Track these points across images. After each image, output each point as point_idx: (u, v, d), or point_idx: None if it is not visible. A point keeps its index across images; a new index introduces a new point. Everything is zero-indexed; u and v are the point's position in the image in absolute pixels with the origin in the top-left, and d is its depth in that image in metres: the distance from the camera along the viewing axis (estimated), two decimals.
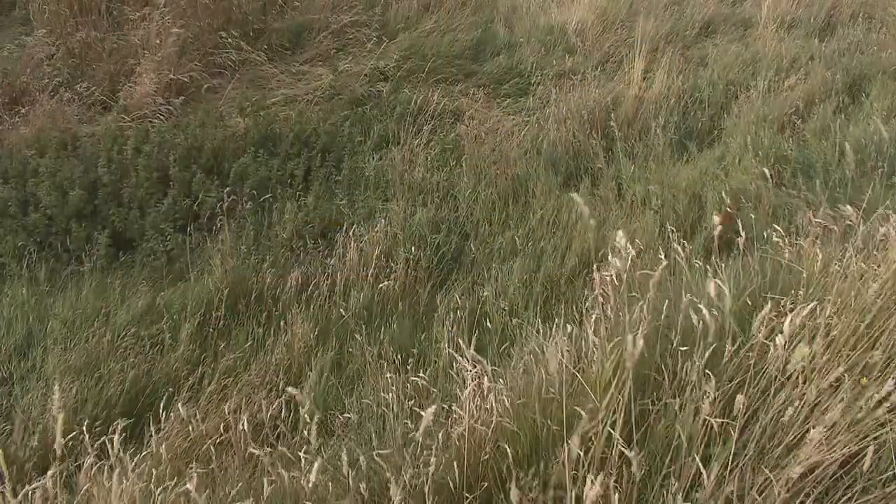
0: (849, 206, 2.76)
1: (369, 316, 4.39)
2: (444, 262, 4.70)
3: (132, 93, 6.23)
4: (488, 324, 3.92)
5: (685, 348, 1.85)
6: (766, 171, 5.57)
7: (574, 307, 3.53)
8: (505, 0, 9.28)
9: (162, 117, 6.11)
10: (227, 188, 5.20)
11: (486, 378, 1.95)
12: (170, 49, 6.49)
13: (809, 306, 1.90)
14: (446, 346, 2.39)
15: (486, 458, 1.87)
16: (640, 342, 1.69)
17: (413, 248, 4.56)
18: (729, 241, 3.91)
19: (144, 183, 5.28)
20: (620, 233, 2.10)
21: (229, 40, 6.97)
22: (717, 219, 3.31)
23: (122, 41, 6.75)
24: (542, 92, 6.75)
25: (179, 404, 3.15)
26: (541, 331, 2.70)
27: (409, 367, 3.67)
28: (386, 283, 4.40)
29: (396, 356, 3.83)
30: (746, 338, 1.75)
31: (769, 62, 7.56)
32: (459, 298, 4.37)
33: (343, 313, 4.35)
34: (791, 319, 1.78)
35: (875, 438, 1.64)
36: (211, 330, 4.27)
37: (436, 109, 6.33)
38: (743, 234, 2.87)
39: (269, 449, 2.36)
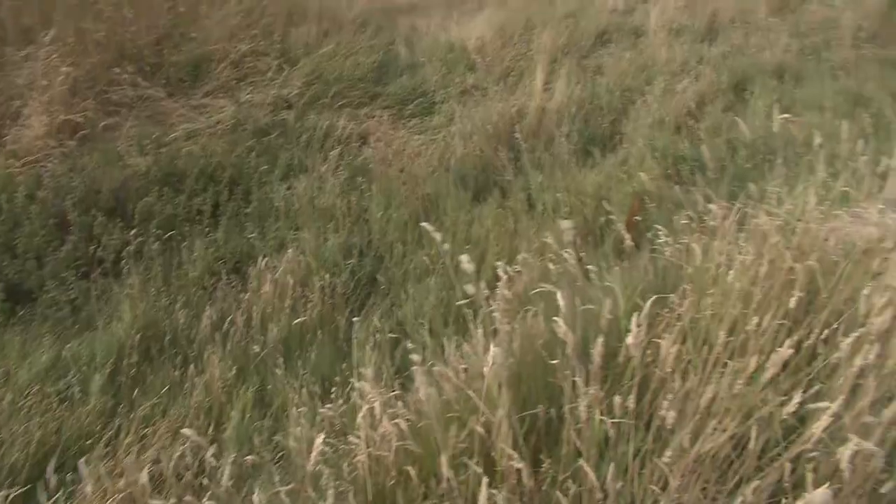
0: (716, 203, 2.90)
1: (288, 348, 4.32)
2: (360, 287, 4.68)
3: (21, 136, 5.95)
4: (410, 345, 3.92)
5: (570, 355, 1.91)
6: (667, 170, 5.88)
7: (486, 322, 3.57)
8: (405, 21, 9.41)
9: (56, 160, 5.86)
10: (132, 230, 5.03)
11: (379, 403, 1.96)
12: (59, 88, 6.24)
13: (689, 300, 2.01)
14: (367, 371, 2.37)
15: (391, 483, 1.88)
16: (512, 356, 1.76)
17: (328, 276, 4.52)
18: (637, 239, 4.08)
19: (40, 231, 5.04)
20: (525, 252, 2.16)
21: (124, 76, 6.76)
22: (621, 225, 3.45)
23: (5, 83, 6.45)
24: (447, 110, 6.85)
25: (93, 461, 3.02)
26: (446, 349, 2.73)
27: (331, 397, 3.63)
28: (303, 316, 4.33)
29: (318, 387, 3.78)
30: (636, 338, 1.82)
31: (661, 67, 7.94)
32: (379, 322, 4.35)
33: (261, 348, 4.27)
34: (668, 315, 1.88)
35: (758, 418, 1.73)
36: (124, 378, 4.10)
37: (342, 134, 6.33)
38: (648, 233, 3.01)
39: (173, 501, 2.29)
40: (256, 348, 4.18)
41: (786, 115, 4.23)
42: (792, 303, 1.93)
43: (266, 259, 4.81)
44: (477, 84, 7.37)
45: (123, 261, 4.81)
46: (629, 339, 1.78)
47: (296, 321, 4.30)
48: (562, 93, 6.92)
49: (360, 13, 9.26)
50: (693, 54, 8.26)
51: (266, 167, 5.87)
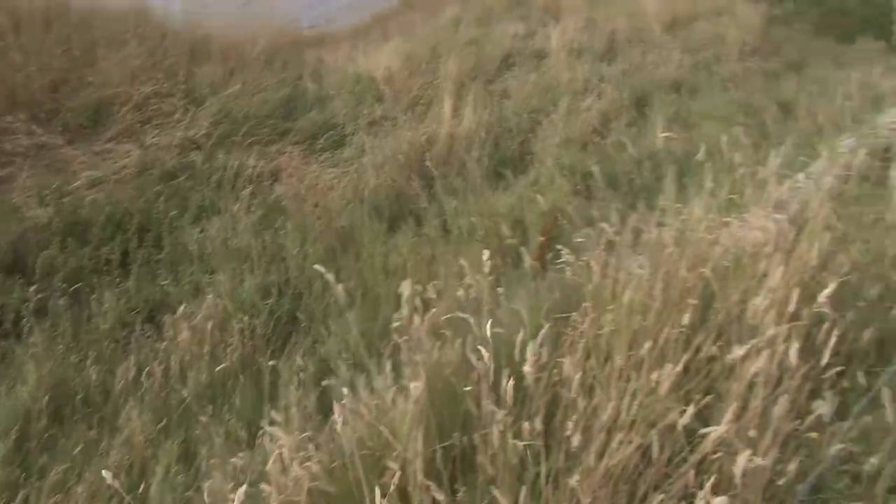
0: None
1: (212, 395, 4.21)
2: (280, 326, 4.61)
3: None
4: (332, 381, 3.88)
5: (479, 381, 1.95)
6: (576, 187, 6.04)
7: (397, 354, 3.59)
8: (312, 54, 9.42)
9: None
10: (33, 285, 4.81)
11: (288, 448, 1.94)
12: None
13: (589, 318, 2.09)
14: (279, 415, 2.33)
15: None
16: (421, 385, 1.78)
17: (246, 318, 4.44)
18: (546, 259, 4.17)
19: None
20: (405, 283, 2.19)
21: (17, 124, 6.51)
22: (528, 254, 3.53)
23: None
24: (358, 141, 6.88)
25: None
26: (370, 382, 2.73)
27: (257, 442, 3.54)
28: (224, 362, 4.23)
29: (245, 432, 3.70)
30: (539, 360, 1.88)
31: (565, 87, 8.20)
32: (302, 360, 4.29)
33: (183, 397, 4.14)
34: (571, 333, 1.95)
35: (661, 428, 1.80)
36: (33, 444, 3.89)
37: (253, 172, 6.26)
38: (563, 250, 3.09)
39: None
40: (182, 396, 4.06)
41: (667, 134, 4.44)
42: (685, 318, 2.03)
43: (182, 306, 4.69)
44: (386, 114, 7.43)
45: (24, 319, 4.58)
46: (526, 367, 1.83)
47: (217, 368, 4.20)
48: (470, 118, 7.05)
49: (266, 49, 9.21)
50: (594, 73, 8.57)
51: (176, 211, 5.74)
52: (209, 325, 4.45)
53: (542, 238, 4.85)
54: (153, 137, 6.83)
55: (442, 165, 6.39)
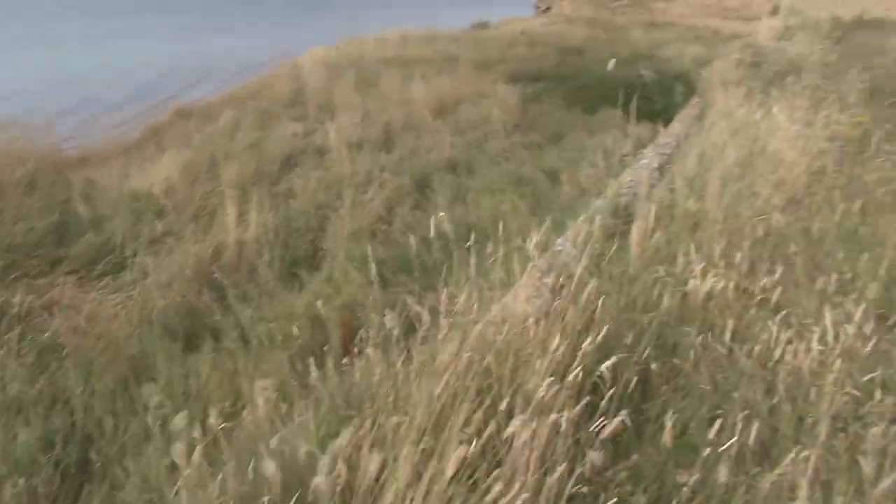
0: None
1: None
2: (69, 479, 4.17)
3: None
4: None
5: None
6: (370, 277, 6.17)
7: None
8: (79, 174, 8.92)
9: None
10: None
11: None
12: None
13: (380, 417, 2.17)
14: None
15: None
16: None
17: (22, 480, 3.97)
18: (356, 353, 4.22)
19: None
20: (180, 416, 2.16)
21: None
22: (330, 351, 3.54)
23: None
24: (140, 262, 6.55)
25: None
26: None
27: None
28: None
29: None
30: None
31: (349, 181, 8.47)
32: None
33: None
34: (363, 435, 2.02)
35: None
36: None
37: (21, 311, 5.70)
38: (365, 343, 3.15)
39: None
40: None
41: (441, 214, 4.75)
42: (463, 410, 2.17)
43: None
44: (169, 229, 7.18)
45: None
46: (317, 478, 1.85)
47: None
48: (257, 222, 7.03)
49: (27, 173, 8.58)
50: (375, 164, 8.96)
51: None
52: None
53: (341, 334, 4.90)
54: None
55: (233, 274, 6.26)
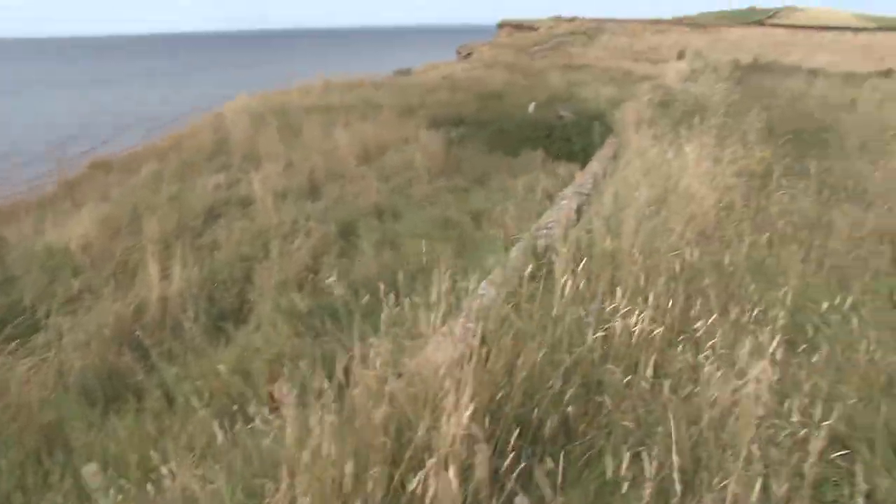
0: None
1: None
2: None
3: None
4: None
5: None
6: (298, 328, 6.09)
7: None
8: None
9: None
10: None
11: None
12: None
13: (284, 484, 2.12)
14: None
15: None
16: None
17: None
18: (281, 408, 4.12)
19: None
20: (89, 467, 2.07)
21: None
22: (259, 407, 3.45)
23: None
24: (55, 322, 6.27)
25: None
26: None
27: None
28: None
29: None
30: None
31: (275, 231, 8.38)
32: None
33: None
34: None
35: None
36: None
37: None
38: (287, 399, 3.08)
39: None
40: None
41: (331, 279, 4.76)
42: (378, 465, 2.16)
43: None
44: (87, 287, 6.91)
45: None
46: None
47: None
48: (181, 277, 6.86)
49: None
50: (301, 213, 8.90)
51: None
52: None
53: (270, 388, 4.80)
54: None
55: (157, 331, 6.07)
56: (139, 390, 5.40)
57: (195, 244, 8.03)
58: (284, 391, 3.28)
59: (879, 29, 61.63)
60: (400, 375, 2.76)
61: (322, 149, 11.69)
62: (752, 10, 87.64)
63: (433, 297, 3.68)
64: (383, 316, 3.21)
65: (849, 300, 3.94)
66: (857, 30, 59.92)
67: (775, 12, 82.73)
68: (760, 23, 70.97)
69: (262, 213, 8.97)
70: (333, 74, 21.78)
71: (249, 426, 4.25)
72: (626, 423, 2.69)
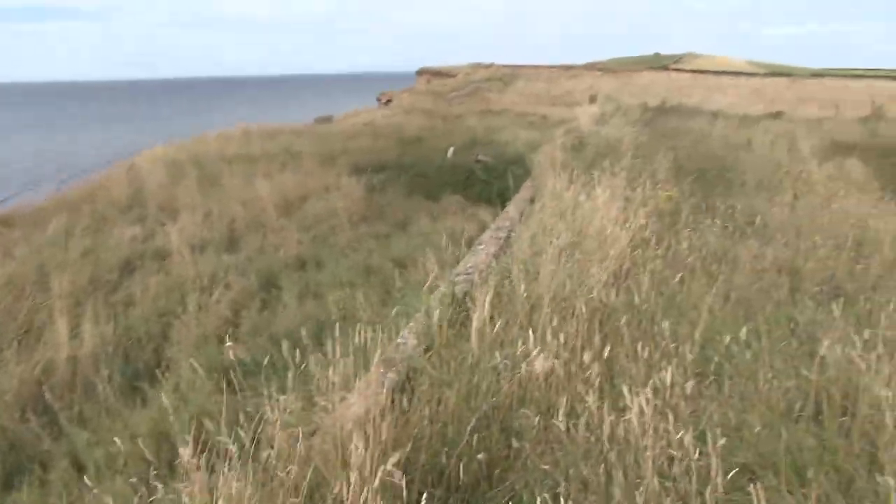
0: None
1: None
2: None
3: None
4: None
5: None
6: (218, 384, 5.91)
7: None
8: None
9: None
10: None
11: None
12: None
13: None
14: None
15: None
16: None
17: None
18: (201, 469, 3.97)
19: None
20: None
21: None
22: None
23: None
24: None
25: None
26: None
27: None
28: None
29: None
30: None
31: (193, 284, 8.16)
32: None
33: None
34: None
35: None
36: None
37: None
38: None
39: None
40: None
41: (230, 344, 4.70)
42: None
43: None
44: None
45: None
46: None
47: None
48: (93, 335, 6.59)
49: None
50: (220, 265, 8.72)
51: None
52: None
53: (190, 448, 4.64)
54: None
55: (67, 394, 5.79)
56: (46, 459, 5.12)
57: (109, 300, 7.75)
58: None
59: (768, 74, 66.20)
60: (314, 433, 2.74)
61: (242, 199, 11.55)
62: (657, 56, 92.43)
63: (350, 350, 3.68)
64: (290, 374, 3.19)
65: (753, 331, 4.16)
66: (750, 75, 64.19)
67: (679, 58, 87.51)
68: (665, 68, 74.93)
69: (180, 265, 8.74)
70: (253, 123, 21.64)
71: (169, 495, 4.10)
72: (543, 465, 2.75)
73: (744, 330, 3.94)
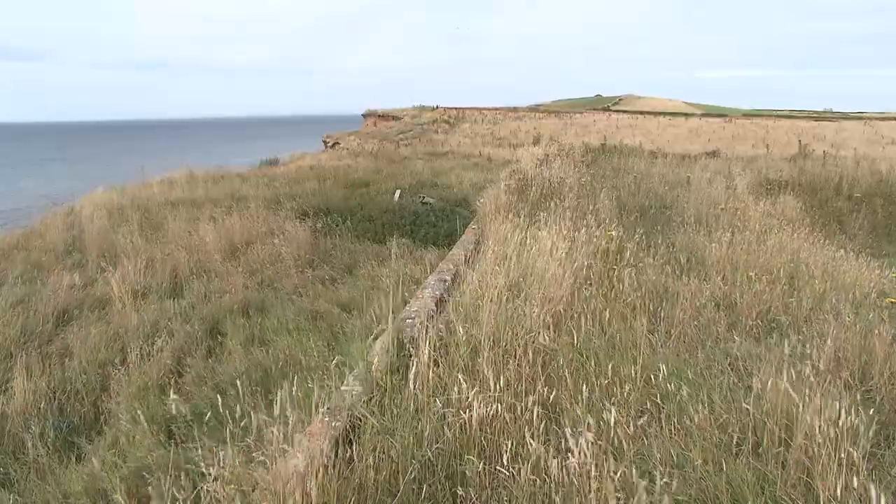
0: None
1: None
2: None
3: None
4: None
5: None
6: (160, 437, 5.76)
7: None
8: None
9: None
10: None
11: None
12: None
13: None
14: None
15: None
16: None
17: None
18: None
19: None
20: None
21: None
22: None
23: None
24: None
25: None
26: None
27: None
28: None
29: None
30: None
31: (135, 332, 7.96)
32: None
33: None
34: None
35: None
36: None
37: None
38: None
39: None
40: None
41: (174, 397, 4.63)
42: None
43: None
44: None
45: None
46: None
47: None
48: (25, 389, 6.35)
49: None
50: (163, 313, 8.53)
51: None
52: None
53: None
54: None
55: None
56: None
57: (43, 351, 7.48)
58: None
59: (704, 114, 69.09)
60: (254, 489, 2.70)
61: (186, 244, 11.34)
62: (598, 98, 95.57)
63: (293, 400, 3.65)
64: (229, 428, 3.15)
65: (693, 366, 4.29)
66: (687, 115, 66.84)
67: (619, 99, 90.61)
68: (607, 109, 77.43)
69: (121, 314, 8.51)
70: (197, 167, 21.39)
71: None
72: None
73: (687, 366, 4.07)
